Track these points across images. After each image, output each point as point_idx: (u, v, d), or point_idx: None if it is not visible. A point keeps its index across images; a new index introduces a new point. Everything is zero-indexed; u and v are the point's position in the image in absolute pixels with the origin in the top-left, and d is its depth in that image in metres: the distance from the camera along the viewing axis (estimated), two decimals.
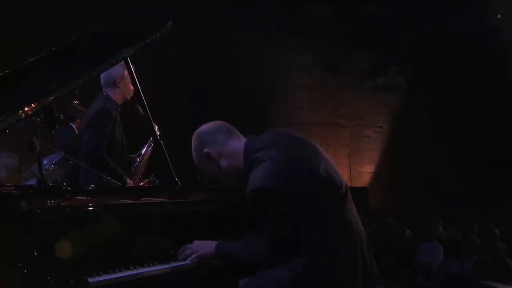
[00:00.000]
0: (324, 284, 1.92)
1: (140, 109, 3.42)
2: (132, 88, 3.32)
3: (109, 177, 2.73)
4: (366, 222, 6.97)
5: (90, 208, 2.09)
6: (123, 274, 1.94)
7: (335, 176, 2.04)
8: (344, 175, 10.08)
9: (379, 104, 10.27)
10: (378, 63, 10.05)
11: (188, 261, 2.16)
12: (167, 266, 2.12)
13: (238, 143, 2.07)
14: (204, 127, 2.14)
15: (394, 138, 10.26)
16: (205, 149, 2.09)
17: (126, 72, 3.28)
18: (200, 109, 7.81)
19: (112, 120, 3.26)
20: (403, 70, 10.15)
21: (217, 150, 2.08)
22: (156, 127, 3.43)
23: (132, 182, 3.32)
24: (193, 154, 2.16)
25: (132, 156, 3.54)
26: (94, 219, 2.02)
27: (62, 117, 4.31)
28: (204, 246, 2.15)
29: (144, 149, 3.59)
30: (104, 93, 3.38)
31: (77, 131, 4.65)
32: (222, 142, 2.08)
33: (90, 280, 1.83)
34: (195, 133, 2.15)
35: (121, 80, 3.33)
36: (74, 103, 4.65)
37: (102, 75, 3.33)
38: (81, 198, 2.26)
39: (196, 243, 2.19)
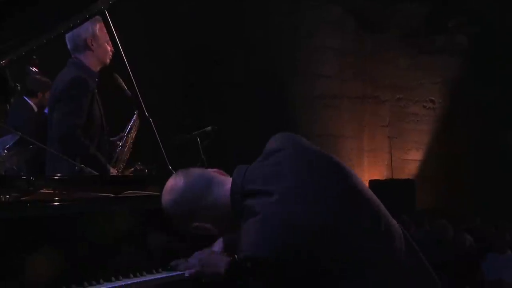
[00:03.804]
0: None
1: (119, 78, 3.42)
2: (109, 48, 3.30)
3: (83, 165, 2.72)
4: (412, 225, 6.95)
5: (59, 204, 2.08)
6: (103, 287, 1.95)
7: (370, 212, 1.88)
8: (383, 164, 10.15)
9: (431, 72, 10.18)
10: (431, 17, 9.92)
11: (186, 273, 2.16)
12: (158, 276, 2.14)
13: (224, 191, 1.96)
14: (182, 188, 1.99)
15: (449, 116, 10.19)
16: (195, 224, 2.01)
17: (98, 28, 3.26)
18: (199, 81, 7.80)
19: (89, 93, 3.25)
20: (465, 27, 10.01)
21: (208, 218, 2.00)
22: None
23: (116, 171, 3.33)
24: (176, 223, 2.05)
25: (112, 139, 3.53)
26: (64, 218, 2.02)
27: (19, 88, 4.34)
28: (211, 262, 2.14)
29: (127, 130, 3.59)
30: (75, 59, 3.35)
31: (36, 108, 4.66)
32: (209, 203, 1.98)
33: None
34: (172, 199, 2.00)
35: (94, 40, 3.31)
36: (33, 71, 4.65)
37: (68, 37, 3.31)
38: (47, 191, 2.26)
39: (200, 257, 2.18)
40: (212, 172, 2.04)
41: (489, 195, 9.00)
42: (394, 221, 1.93)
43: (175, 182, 2.01)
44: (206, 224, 2.00)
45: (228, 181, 1.96)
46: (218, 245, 2.42)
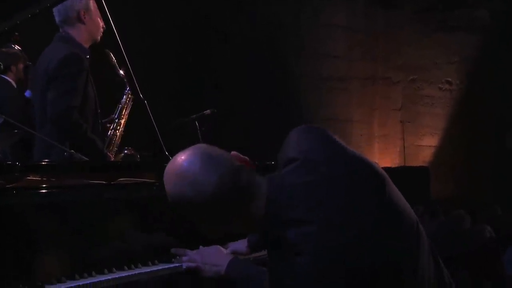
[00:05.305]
0: None
1: (111, 55, 3.43)
2: (101, 23, 3.31)
3: (73, 151, 2.72)
4: (427, 216, 6.96)
5: (48, 191, 2.10)
6: (94, 280, 1.96)
7: (408, 227, 1.86)
8: (395, 150, 10.14)
9: (448, 50, 10.14)
10: None
11: (184, 265, 2.19)
12: (154, 269, 2.16)
13: (257, 205, 1.76)
14: (211, 191, 1.70)
15: (467, 98, 10.16)
16: (207, 225, 1.81)
17: (91, 1, 3.27)
18: (195, 57, 7.78)
19: (85, 71, 3.25)
20: (486, 0, 9.94)
21: (226, 224, 1.81)
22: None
23: (111, 156, 3.35)
24: (184, 214, 1.82)
25: (104, 121, 3.55)
26: (53, 206, 2.03)
27: (2, 67, 4.34)
28: (213, 261, 2.15)
29: (118, 112, 3.60)
30: (63, 33, 3.35)
31: (14, 84, 4.67)
32: (237, 213, 1.79)
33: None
34: (193, 196, 1.71)
35: (87, 13, 3.31)
36: (14, 48, 4.66)
37: (57, 8, 3.31)
38: (35, 178, 2.25)
39: (203, 253, 2.19)
40: (241, 165, 1.78)
41: (510, 183, 9.01)
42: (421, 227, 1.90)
43: (203, 177, 1.71)
44: (221, 226, 1.81)
45: (260, 189, 1.76)
46: (238, 245, 2.43)
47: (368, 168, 1.83)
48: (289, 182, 1.76)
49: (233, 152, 1.81)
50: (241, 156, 1.82)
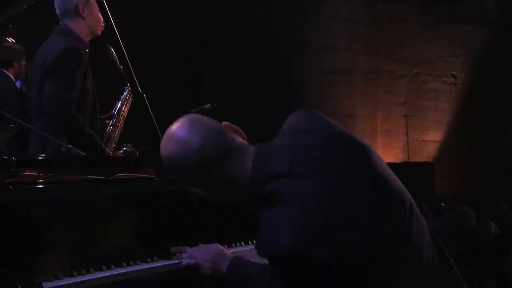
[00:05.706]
0: None
1: (112, 50, 3.44)
2: (101, 17, 3.32)
3: (70, 146, 2.72)
4: (431, 212, 6.96)
5: (45, 186, 2.10)
6: (92, 277, 1.96)
7: (399, 201, 1.86)
8: (399, 145, 10.13)
9: (453, 43, 10.13)
10: None
11: (184, 262, 2.18)
12: (153, 265, 2.16)
13: (244, 165, 1.85)
14: (197, 148, 1.82)
15: (473, 92, 10.15)
16: (199, 188, 1.90)
17: None
18: (196, 53, 7.78)
19: (84, 65, 3.24)
20: None
21: (216, 186, 1.89)
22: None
23: (110, 153, 3.35)
24: (177, 177, 1.94)
25: (103, 117, 3.55)
26: (50, 202, 2.03)
27: None
28: (214, 259, 2.14)
29: (117, 108, 3.60)
30: (63, 26, 3.36)
31: (14, 79, 4.68)
32: (225, 174, 1.86)
33: (45, 285, 1.85)
34: (183, 156, 1.83)
35: (85, 7, 3.32)
36: (9, 42, 4.66)
37: (57, 1, 3.33)
38: (31, 173, 2.26)
39: (203, 251, 2.19)
40: (230, 132, 1.89)
41: None
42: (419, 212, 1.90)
43: (189, 136, 1.82)
44: (211, 188, 1.90)
45: (248, 151, 1.87)
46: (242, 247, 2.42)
47: (356, 142, 1.88)
48: (276, 144, 1.85)
49: (224, 122, 1.92)
50: (232, 125, 1.94)
